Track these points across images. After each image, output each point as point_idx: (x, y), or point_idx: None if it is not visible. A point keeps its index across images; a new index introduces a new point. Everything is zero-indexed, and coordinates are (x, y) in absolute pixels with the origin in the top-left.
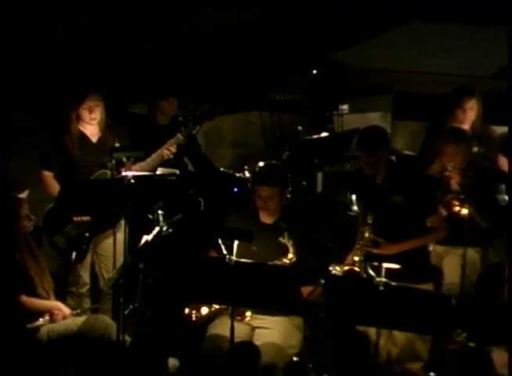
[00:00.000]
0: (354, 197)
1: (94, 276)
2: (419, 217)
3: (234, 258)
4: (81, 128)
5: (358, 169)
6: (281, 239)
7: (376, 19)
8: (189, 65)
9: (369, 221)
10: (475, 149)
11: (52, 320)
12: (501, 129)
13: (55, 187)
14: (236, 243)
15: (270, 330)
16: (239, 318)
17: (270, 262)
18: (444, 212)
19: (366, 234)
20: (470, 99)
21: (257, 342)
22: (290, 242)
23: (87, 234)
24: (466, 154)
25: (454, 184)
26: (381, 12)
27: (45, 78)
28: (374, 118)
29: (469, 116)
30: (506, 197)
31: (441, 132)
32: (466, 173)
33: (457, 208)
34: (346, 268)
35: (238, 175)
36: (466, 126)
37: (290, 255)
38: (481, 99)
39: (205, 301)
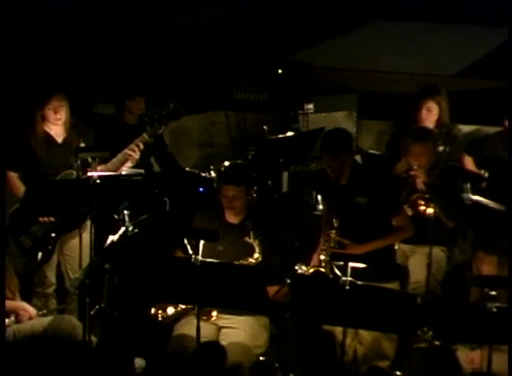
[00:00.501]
0: (319, 196)
1: (60, 276)
2: (384, 217)
3: (200, 257)
4: (46, 129)
5: (321, 170)
6: (247, 238)
7: (341, 19)
8: (156, 65)
9: (335, 224)
10: (441, 148)
11: (18, 321)
12: (467, 128)
13: (20, 188)
14: (201, 243)
15: (236, 330)
16: (205, 318)
17: (236, 262)
18: (409, 211)
19: (332, 236)
20: (430, 99)
21: (223, 342)
22: (256, 241)
23: (53, 234)
24: (432, 153)
25: (419, 183)
26: (346, 12)
27: (9, 78)
28: (339, 117)
29: (431, 116)
30: (472, 196)
31: (407, 131)
32: (432, 172)
33: (422, 208)
34: (312, 268)
35: (204, 174)
36: (430, 125)
37: (256, 255)
38: (447, 97)
39: (171, 301)
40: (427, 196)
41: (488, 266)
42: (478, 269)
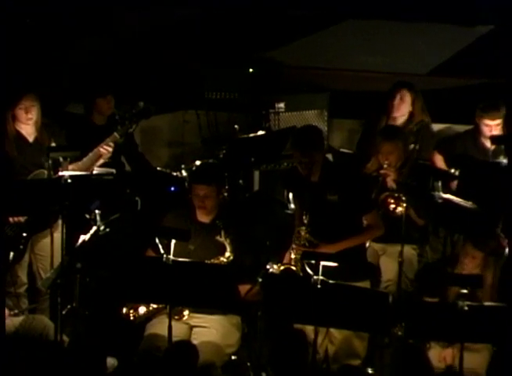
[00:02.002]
0: (290, 195)
1: (31, 276)
2: (355, 215)
3: (171, 257)
4: (17, 128)
5: (293, 168)
6: (218, 238)
7: (312, 18)
8: (126, 64)
9: (305, 221)
10: (411, 145)
11: None
12: (437, 126)
13: None
14: (173, 242)
15: (208, 329)
16: (177, 317)
17: (207, 261)
18: (379, 210)
19: (302, 233)
20: (400, 89)
21: (195, 341)
22: (228, 240)
23: (24, 234)
24: (402, 151)
25: (390, 182)
26: (317, 11)
27: None
28: (311, 116)
29: (397, 106)
30: (443, 195)
31: (376, 130)
32: (403, 170)
33: (392, 206)
34: (283, 266)
35: (175, 174)
36: (398, 120)
37: (228, 254)
38: (421, 96)
39: (143, 300)
40: (396, 194)
41: (471, 261)
42: (462, 261)
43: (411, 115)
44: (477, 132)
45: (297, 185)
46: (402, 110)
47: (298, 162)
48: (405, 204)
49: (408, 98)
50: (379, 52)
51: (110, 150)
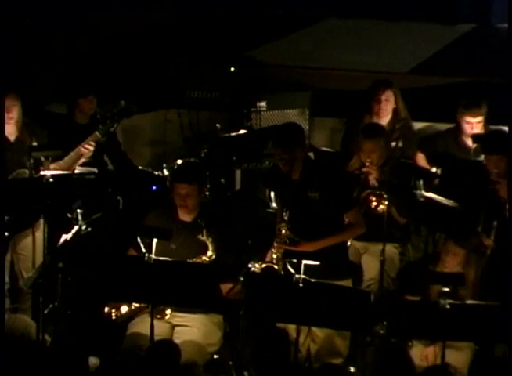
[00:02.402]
0: (272, 194)
1: (13, 275)
2: (336, 213)
3: (153, 256)
4: None
5: (274, 166)
6: (200, 236)
7: (293, 17)
8: (108, 64)
9: (285, 217)
10: (393, 143)
11: None
12: (419, 125)
13: None
14: (154, 241)
15: (190, 328)
16: (159, 316)
17: (189, 260)
18: (361, 208)
19: (283, 231)
20: (385, 90)
21: (177, 340)
22: (209, 239)
23: (6, 233)
24: (384, 150)
25: (372, 180)
26: (298, 9)
27: None
28: (292, 115)
29: (385, 108)
30: (424, 193)
31: (358, 128)
32: (384, 169)
33: (374, 204)
34: (265, 265)
35: (156, 173)
36: (383, 119)
37: (210, 253)
38: (400, 94)
39: (125, 299)
40: (378, 192)
41: (453, 259)
42: (443, 259)
43: (395, 113)
44: (458, 131)
45: (278, 182)
46: (388, 110)
47: (279, 159)
48: (386, 202)
49: (392, 97)
50: (360, 51)
51: (92, 148)
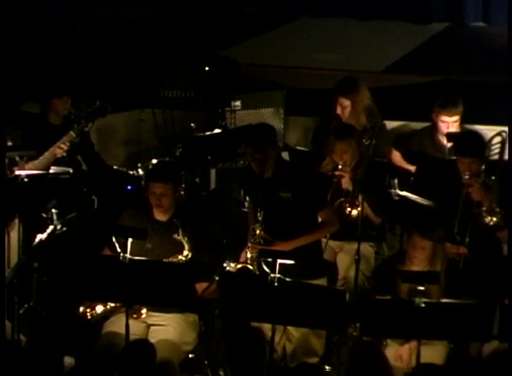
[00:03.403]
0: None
1: None
2: (309, 212)
3: (128, 256)
4: None
5: (247, 165)
6: (176, 236)
7: (267, 16)
8: (82, 63)
9: (259, 218)
10: (365, 142)
11: None
12: (394, 124)
13: None
14: (130, 241)
15: (165, 327)
16: (135, 316)
17: (165, 260)
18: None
19: (257, 231)
20: (338, 97)
21: (152, 340)
22: (185, 239)
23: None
24: (356, 150)
25: (345, 183)
26: (272, 8)
27: None
28: (267, 114)
29: (342, 114)
30: (399, 192)
31: (329, 128)
32: (358, 171)
33: (348, 209)
34: (240, 265)
35: (131, 172)
36: (350, 121)
37: (186, 252)
38: (372, 93)
39: (100, 299)
40: (350, 199)
41: (421, 253)
42: (410, 255)
43: (366, 113)
44: (434, 129)
45: (251, 182)
46: (347, 116)
47: (251, 159)
48: (360, 208)
49: (347, 102)
50: (334, 50)
51: (65, 148)
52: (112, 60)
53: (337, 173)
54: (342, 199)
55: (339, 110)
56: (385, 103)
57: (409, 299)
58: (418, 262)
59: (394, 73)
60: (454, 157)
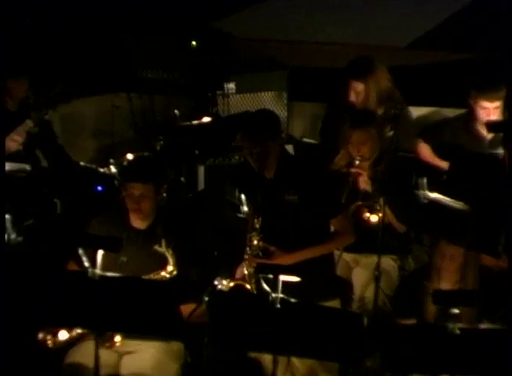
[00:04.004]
0: (243, 195)
1: None
2: (319, 219)
3: (98, 271)
4: None
5: (243, 162)
6: (157, 247)
7: None
8: (43, 40)
9: (257, 225)
10: (389, 133)
11: None
12: (420, 110)
13: None
14: (100, 253)
15: (140, 357)
16: (107, 345)
17: (144, 276)
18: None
19: (255, 241)
20: (351, 82)
21: (124, 371)
22: (169, 251)
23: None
24: (376, 141)
25: (362, 183)
26: None
27: None
28: (267, 99)
29: (356, 101)
30: (429, 194)
31: (341, 116)
32: (378, 168)
33: (366, 215)
34: (234, 282)
35: (102, 170)
36: (368, 106)
37: (169, 267)
38: (393, 74)
39: (63, 324)
40: (369, 203)
41: (450, 264)
42: (438, 267)
43: (388, 98)
44: (470, 117)
45: (249, 182)
46: (361, 103)
47: (249, 154)
48: (380, 213)
49: (360, 87)
50: (347, 22)
51: (21, 140)
52: (78, 34)
53: (352, 170)
54: (359, 202)
55: (353, 96)
56: (409, 86)
57: (441, 324)
58: (447, 276)
59: (420, 49)
60: (497, 151)
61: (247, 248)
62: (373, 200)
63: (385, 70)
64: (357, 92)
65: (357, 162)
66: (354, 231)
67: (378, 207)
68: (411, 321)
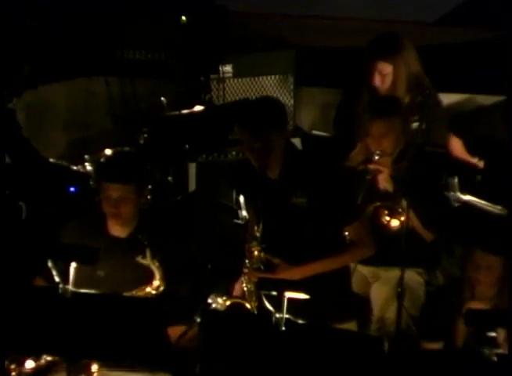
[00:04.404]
0: (241, 197)
1: None
2: (332, 226)
3: (71, 287)
4: None
5: (242, 158)
6: (140, 259)
7: None
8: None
9: (257, 233)
10: (414, 124)
11: None
12: (451, 98)
13: None
14: (73, 266)
15: None
16: (82, 375)
17: (126, 293)
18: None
19: (256, 253)
20: (377, 63)
21: None
22: (155, 263)
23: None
24: (400, 134)
25: (382, 181)
26: None
27: None
28: (270, 84)
29: (386, 82)
30: (461, 196)
31: (361, 103)
32: (401, 165)
33: (386, 219)
34: (231, 301)
35: (75, 168)
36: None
37: (156, 282)
38: (420, 53)
39: (30, 351)
40: (391, 204)
41: (486, 275)
42: (472, 280)
43: (417, 83)
44: (510, 106)
45: (250, 183)
46: (386, 87)
47: (250, 149)
48: (403, 217)
49: (388, 68)
50: None
51: None
52: (45, 9)
53: (371, 166)
54: (378, 203)
55: (378, 80)
56: (437, 69)
57: (474, 349)
58: (482, 291)
59: (449, 25)
60: None
61: (247, 260)
62: (395, 200)
63: (414, 49)
64: (383, 74)
65: (376, 157)
66: (373, 241)
67: (400, 210)
68: (438, 345)
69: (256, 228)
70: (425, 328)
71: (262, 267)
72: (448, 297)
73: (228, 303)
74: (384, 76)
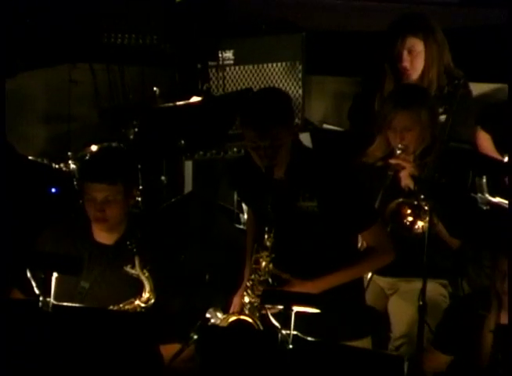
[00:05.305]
0: (243, 200)
1: None
2: (347, 232)
3: (52, 300)
4: None
5: (244, 156)
6: (129, 269)
7: None
8: None
9: (267, 243)
10: (441, 117)
11: None
12: (480, 88)
13: None
14: (54, 276)
15: None
16: None
17: (113, 307)
18: (388, 225)
19: (263, 263)
20: (411, 35)
21: None
22: (145, 273)
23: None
24: (426, 128)
25: (405, 179)
26: None
27: None
28: (275, 72)
29: (415, 61)
30: (490, 197)
31: (381, 92)
32: (426, 160)
33: (409, 219)
34: (233, 317)
35: (57, 166)
36: (414, 76)
37: (146, 295)
38: (447, 39)
39: (7, 371)
40: (415, 202)
41: None
42: (499, 291)
43: (426, 69)
44: None
45: (253, 184)
46: (414, 67)
47: (253, 147)
48: (428, 218)
49: (420, 46)
50: None
51: None
52: None
53: (392, 161)
54: (401, 199)
55: (407, 60)
56: (464, 55)
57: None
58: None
59: (477, 6)
60: None
61: (251, 271)
62: (418, 200)
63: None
64: (414, 54)
65: (398, 152)
66: (392, 248)
67: (424, 210)
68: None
69: (266, 236)
70: (442, 341)
71: (270, 281)
72: (474, 308)
73: (229, 318)
74: (415, 56)
